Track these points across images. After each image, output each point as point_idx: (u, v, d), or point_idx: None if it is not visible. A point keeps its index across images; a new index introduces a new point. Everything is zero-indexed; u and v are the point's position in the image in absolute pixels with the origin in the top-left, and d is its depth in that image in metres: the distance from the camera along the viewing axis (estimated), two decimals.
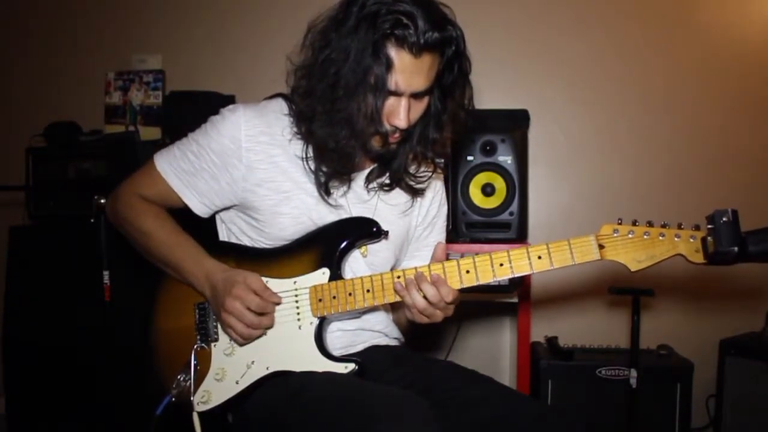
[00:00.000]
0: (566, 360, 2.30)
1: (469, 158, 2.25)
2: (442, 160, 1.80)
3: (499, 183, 2.25)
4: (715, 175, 2.65)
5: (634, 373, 1.99)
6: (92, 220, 2.16)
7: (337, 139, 1.25)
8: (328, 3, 1.27)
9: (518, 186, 2.23)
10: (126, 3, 2.92)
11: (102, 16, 2.93)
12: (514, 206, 2.23)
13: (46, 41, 2.97)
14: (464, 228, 2.26)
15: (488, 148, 2.24)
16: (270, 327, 1.31)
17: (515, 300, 2.20)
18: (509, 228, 2.23)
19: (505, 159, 2.24)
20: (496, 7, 2.73)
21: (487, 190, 2.25)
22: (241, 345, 1.33)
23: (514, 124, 2.30)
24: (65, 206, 2.38)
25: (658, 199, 2.66)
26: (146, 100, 2.71)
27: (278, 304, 1.31)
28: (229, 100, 2.56)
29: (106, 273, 2.12)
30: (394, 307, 1.53)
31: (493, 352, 2.75)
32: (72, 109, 2.75)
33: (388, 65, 1.18)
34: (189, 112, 2.39)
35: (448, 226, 2.29)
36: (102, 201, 2.18)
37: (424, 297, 1.24)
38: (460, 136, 1.39)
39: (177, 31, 2.87)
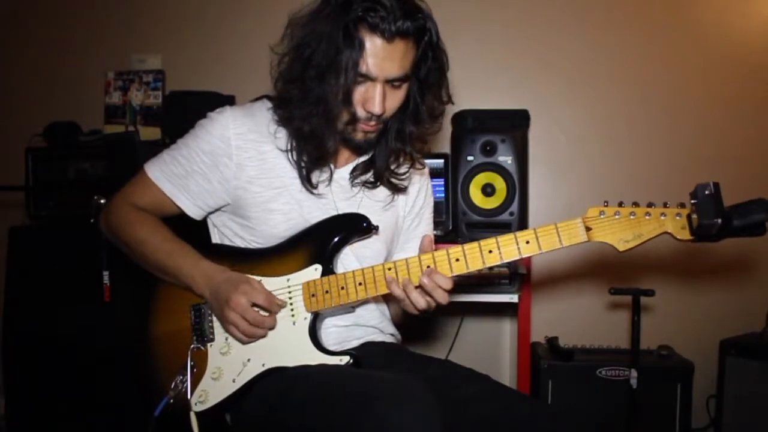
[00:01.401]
0: (566, 360, 2.29)
1: (469, 158, 2.25)
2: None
3: (499, 183, 2.25)
4: (715, 175, 2.59)
5: (634, 373, 1.99)
6: (92, 220, 2.16)
7: (311, 122, 1.27)
8: None
9: (518, 186, 2.23)
10: (126, 3, 2.92)
11: (102, 16, 2.92)
12: (514, 206, 2.23)
13: (46, 41, 2.96)
14: (464, 228, 2.26)
15: (488, 148, 2.24)
16: (272, 327, 1.31)
17: (515, 300, 2.20)
18: (509, 228, 2.22)
19: (505, 159, 2.24)
20: (495, 7, 2.73)
21: (487, 190, 2.25)
22: (245, 343, 1.32)
23: (514, 124, 2.30)
24: (65, 206, 2.38)
25: (658, 199, 2.64)
26: (146, 100, 2.70)
27: (283, 306, 1.32)
28: (228, 100, 2.55)
29: (105, 273, 2.12)
30: (388, 302, 1.54)
31: (493, 352, 2.75)
32: (72, 109, 2.74)
33: (360, 48, 1.21)
34: (189, 112, 2.37)
35: (448, 226, 2.30)
36: (102, 201, 2.17)
37: (418, 287, 1.25)
38: (438, 130, 1.40)
39: (177, 31, 2.87)
